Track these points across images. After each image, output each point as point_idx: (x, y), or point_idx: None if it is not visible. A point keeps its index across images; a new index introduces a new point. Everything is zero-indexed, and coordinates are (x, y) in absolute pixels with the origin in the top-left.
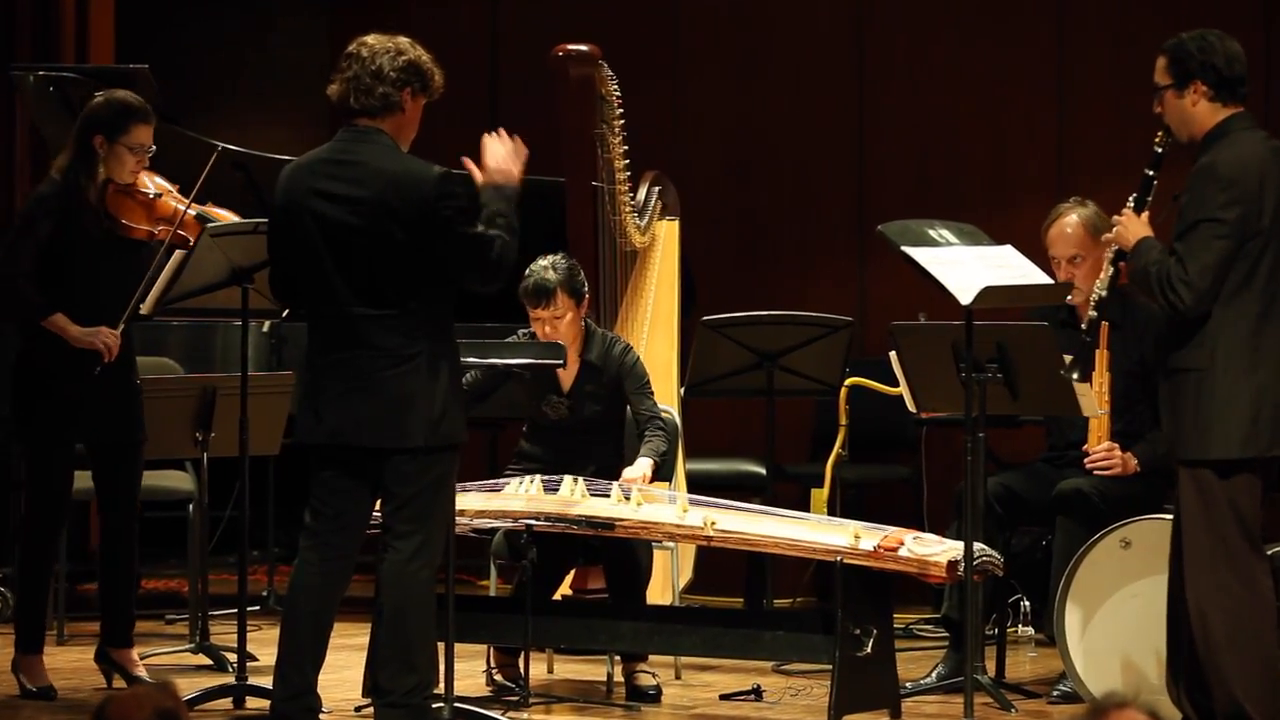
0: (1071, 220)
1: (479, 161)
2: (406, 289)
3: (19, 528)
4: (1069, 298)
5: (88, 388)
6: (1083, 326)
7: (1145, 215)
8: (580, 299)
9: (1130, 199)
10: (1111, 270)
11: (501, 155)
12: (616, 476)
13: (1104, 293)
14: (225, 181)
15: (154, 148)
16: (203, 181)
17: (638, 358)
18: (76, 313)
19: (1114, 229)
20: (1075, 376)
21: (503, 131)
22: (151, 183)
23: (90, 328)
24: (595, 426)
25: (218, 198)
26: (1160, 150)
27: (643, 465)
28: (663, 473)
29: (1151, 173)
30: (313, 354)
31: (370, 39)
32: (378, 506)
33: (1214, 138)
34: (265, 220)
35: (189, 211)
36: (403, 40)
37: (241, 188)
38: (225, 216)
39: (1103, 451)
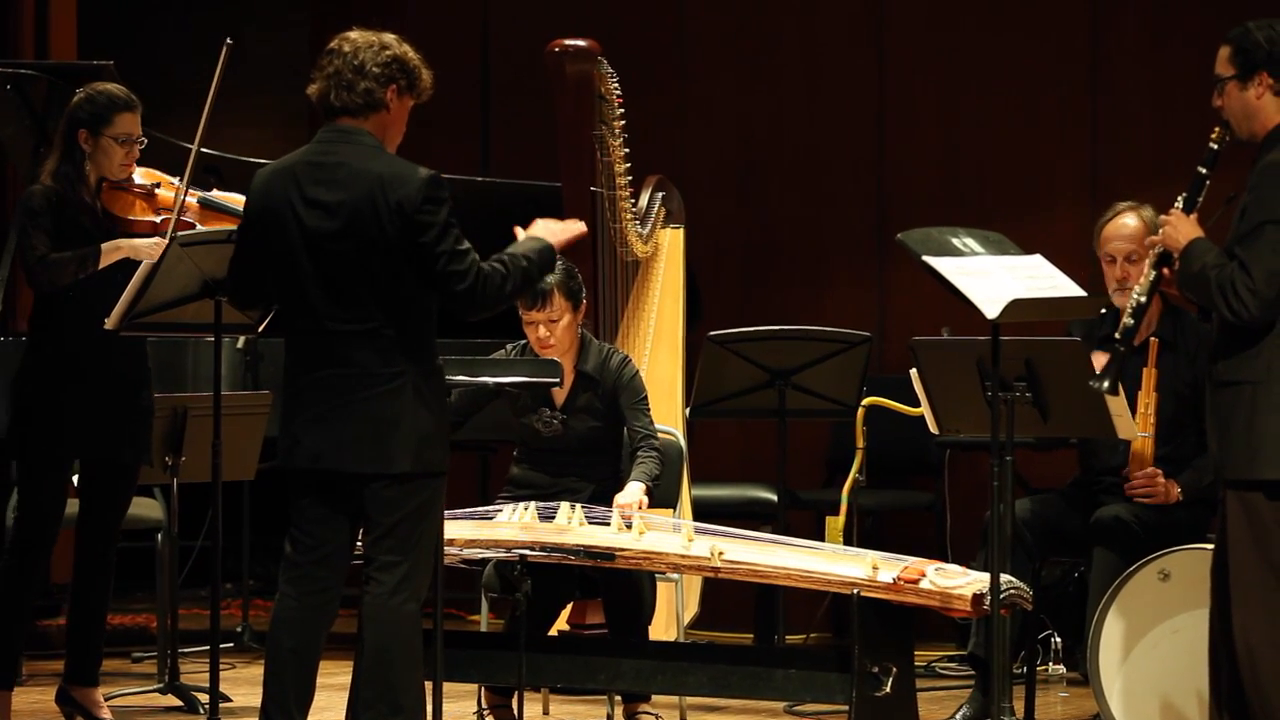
0: (1130, 219)
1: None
2: (389, 303)
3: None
4: (1116, 300)
5: (94, 401)
6: (1116, 336)
7: (1194, 216)
8: (578, 303)
9: (1179, 199)
10: (1153, 274)
11: (551, 224)
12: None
13: (1143, 298)
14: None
15: (144, 139)
16: (194, 161)
17: (636, 371)
18: (94, 318)
19: (1160, 230)
20: (1105, 387)
21: (571, 222)
22: (147, 177)
23: (148, 237)
24: (591, 445)
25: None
26: (1216, 147)
27: (634, 490)
28: (659, 499)
29: (1205, 171)
30: (291, 372)
31: (353, 34)
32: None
33: None
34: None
35: (188, 198)
36: (388, 36)
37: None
38: (239, 200)
39: (1144, 478)
